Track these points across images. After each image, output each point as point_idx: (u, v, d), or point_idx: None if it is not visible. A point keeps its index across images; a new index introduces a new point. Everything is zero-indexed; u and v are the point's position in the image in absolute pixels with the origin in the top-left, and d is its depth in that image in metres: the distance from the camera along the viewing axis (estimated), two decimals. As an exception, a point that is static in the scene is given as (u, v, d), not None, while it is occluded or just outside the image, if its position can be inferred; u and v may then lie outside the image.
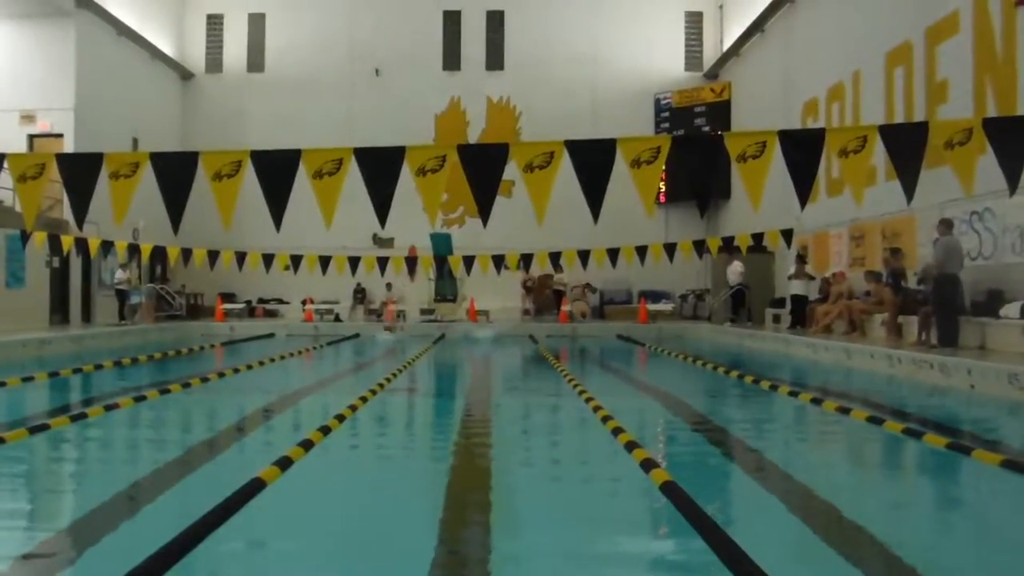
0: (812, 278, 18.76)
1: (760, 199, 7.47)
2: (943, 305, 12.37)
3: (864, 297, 16.80)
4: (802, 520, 4.69)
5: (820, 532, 4.40)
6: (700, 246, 19.66)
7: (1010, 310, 11.92)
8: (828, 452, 7.18)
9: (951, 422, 8.15)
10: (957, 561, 4.09)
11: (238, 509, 4.42)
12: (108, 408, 8.12)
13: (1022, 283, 12.35)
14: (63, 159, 8.47)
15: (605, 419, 7.44)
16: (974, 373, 9.99)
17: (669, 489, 4.83)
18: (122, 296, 22.11)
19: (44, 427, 6.92)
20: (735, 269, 21.26)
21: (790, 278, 18.83)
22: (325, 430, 6.83)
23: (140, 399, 8.85)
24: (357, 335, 22.53)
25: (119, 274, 22.03)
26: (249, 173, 7.94)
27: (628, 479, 5.49)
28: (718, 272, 24.14)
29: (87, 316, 22.91)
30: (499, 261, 19.75)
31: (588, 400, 8.78)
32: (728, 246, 19.22)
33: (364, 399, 8.92)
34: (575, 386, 10.17)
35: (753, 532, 4.10)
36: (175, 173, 8.06)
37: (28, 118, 23.15)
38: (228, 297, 27.45)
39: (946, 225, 12.65)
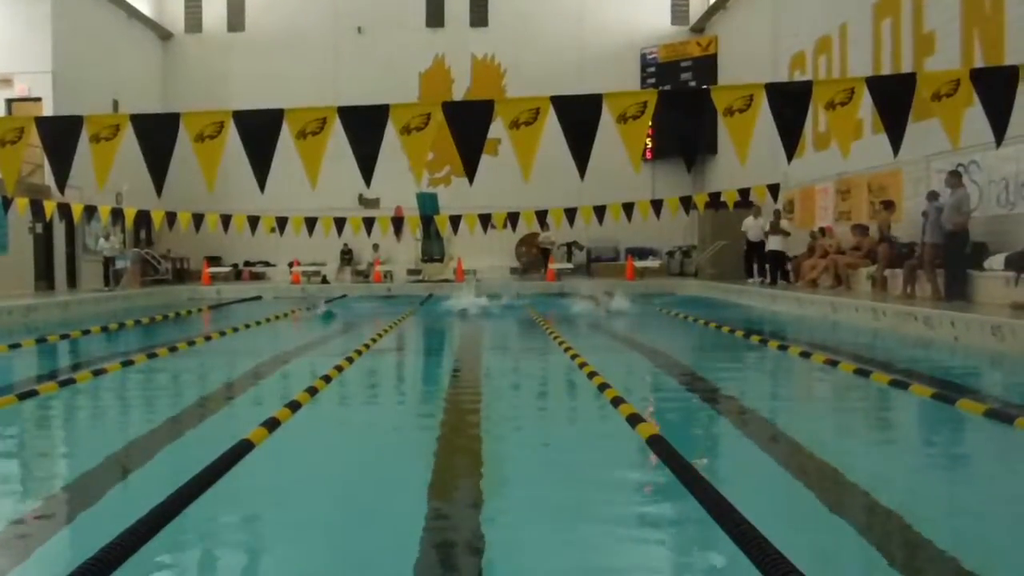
0: (787, 234, 18.68)
1: (747, 153, 7.45)
2: (955, 260, 12.37)
3: (851, 252, 16.87)
4: (789, 472, 4.74)
5: (806, 484, 4.45)
6: (687, 202, 19.64)
7: (994, 262, 11.99)
8: (815, 404, 7.26)
9: (936, 373, 8.23)
10: (940, 509, 4.15)
11: (226, 471, 4.43)
12: (96, 373, 8.10)
13: (1007, 235, 12.41)
14: (42, 123, 8.36)
15: (591, 375, 7.48)
16: (958, 325, 10.07)
17: (655, 443, 4.87)
18: (109, 263, 21.93)
19: (33, 393, 6.90)
20: (748, 224, 19.78)
21: (767, 234, 18.82)
22: (312, 391, 6.84)
23: (128, 364, 8.83)
24: (344, 296, 22.50)
25: (103, 243, 21.80)
26: (232, 134, 7.86)
27: (616, 435, 5.53)
28: (704, 228, 24.15)
29: (72, 282, 22.78)
30: (486, 220, 19.68)
31: (574, 357, 8.81)
32: (715, 202, 19.21)
33: (350, 360, 8.94)
34: (561, 343, 10.21)
35: (741, 486, 4.14)
36: (157, 135, 7.97)
37: (6, 82, 22.77)
38: (214, 261, 27.31)
39: (956, 177, 12.47)
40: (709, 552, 3.49)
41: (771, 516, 3.51)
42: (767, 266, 18.97)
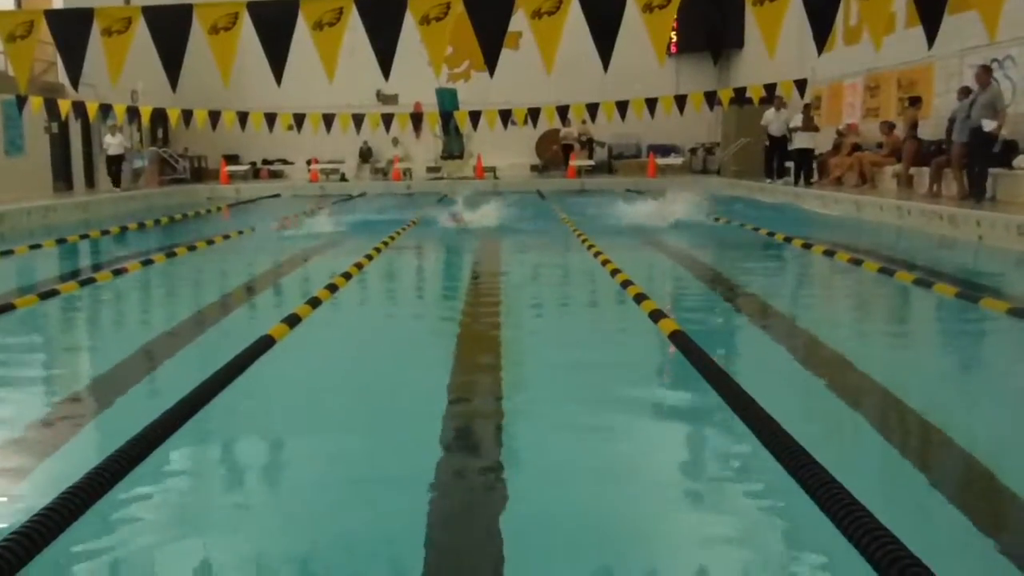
0: (818, 129, 17.96)
1: (776, 45, 7.20)
2: (983, 159, 11.88)
3: (876, 149, 16.52)
4: (808, 368, 4.75)
5: (827, 380, 4.46)
6: (711, 98, 19.19)
7: (1023, 160, 11.71)
8: (839, 303, 7.23)
9: (960, 273, 8.15)
10: (959, 405, 4.15)
11: (248, 366, 4.48)
12: (116, 272, 8.15)
13: (1039, 133, 12.07)
14: (52, 16, 8.20)
15: (614, 272, 7.46)
16: (983, 224, 9.91)
17: (678, 338, 4.87)
18: (114, 163, 20.78)
19: (54, 292, 6.97)
20: (769, 117, 18.64)
21: (794, 130, 17.96)
22: (332, 288, 6.87)
23: (148, 263, 8.88)
24: (363, 194, 22.43)
25: (108, 139, 20.60)
26: (247, 26, 7.70)
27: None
28: (728, 124, 23.66)
29: (90, 182, 22.73)
30: (506, 116, 19.37)
31: (597, 254, 8.78)
32: (740, 97, 18.71)
33: (370, 257, 8.95)
34: (583, 240, 10.16)
35: (760, 380, 4.15)
36: (169, 27, 7.81)
37: (14, -26, 22.28)
38: (232, 159, 27.14)
39: (986, 72, 11.79)
40: (727, 441, 3.52)
41: (790, 410, 3.52)
42: (791, 164, 18.32)
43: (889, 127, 16.10)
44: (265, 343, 4.90)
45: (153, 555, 2.63)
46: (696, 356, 4.46)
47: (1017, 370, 4.80)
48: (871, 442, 3.53)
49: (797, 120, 17.64)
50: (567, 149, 26.07)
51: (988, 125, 11.49)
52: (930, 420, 3.73)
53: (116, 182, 20.44)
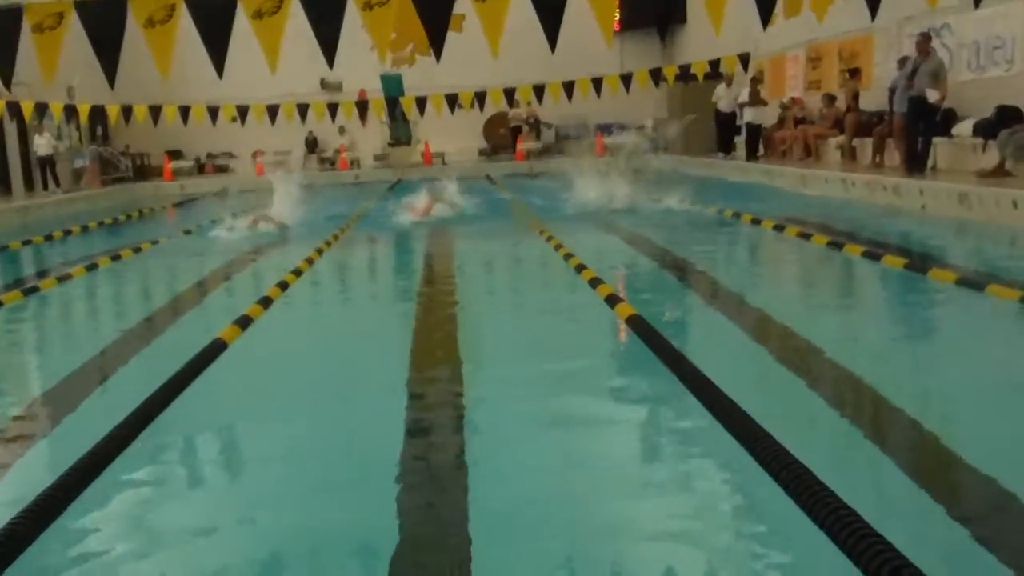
0: (766, 103, 18.20)
1: (722, 21, 7.26)
2: (927, 128, 11.82)
3: (820, 122, 16.73)
4: (763, 346, 4.80)
5: (780, 358, 4.52)
6: (656, 75, 19.25)
7: (963, 128, 11.91)
8: (788, 278, 7.33)
9: (906, 243, 8.31)
10: (910, 376, 4.25)
11: (201, 371, 4.40)
12: (61, 279, 7.94)
13: (975, 101, 12.26)
14: (-21, 14, 7.93)
15: (567, 257, 7.47)
16: (926, 194, 10.10)
17: (635, 322, 4.89)
18: (46, 163, 20.14)
19: (-2, 303, 6.77)
20: (720, 93, 18.91)
21: (743, 105, 18.20)
22: (283, 285, 6.78)
23: (92, 267, 8.66)
24: (310, 185, 22.14)
25: (36, 139, 19.93)
26: (184, 17, 7.53)
27: (593, 314, 5.56)
28: (674, 101, 23.79)
29: (29, 185, 22.07)
30: (453, 100, 19.23)
31: (549, 239, 8.78)
32: (685, 74, 18.81)
33: (320, 251, 8.85)
34: (539, 230, 10.16)
35: (716, 361, 4.20)
36: (104, 22, 7.62)
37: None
38: (175, 155, 26.58)
39: (926, 40, 11.76)
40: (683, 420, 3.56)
41: (746, 388, 3.57)
42: (740, 140, 18.49)
43: (830, 99, 16.31)
44: (217, 347, 4.82)
45: (117, 564, 2.60)
46: (653, 339, 4.49)
47: (963, 339, 4.91)
48: (822, 413, 3.60)
49: (745, 95, 17.83)
50: (515, 132, 26.00)
51: (932, 95, 11.56)
52: (878, 390, 3.81)
53: (47, 184, 19.80)
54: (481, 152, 27.91)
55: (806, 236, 8.22)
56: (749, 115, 17.94)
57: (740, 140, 19.00)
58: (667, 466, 3.25)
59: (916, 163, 11.88)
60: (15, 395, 4.70)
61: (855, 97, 15.08)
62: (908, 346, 4.91)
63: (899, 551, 2.06)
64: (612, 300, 5.50)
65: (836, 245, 7.62)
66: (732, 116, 18.75)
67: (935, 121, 11.96)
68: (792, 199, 12.66)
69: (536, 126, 26.62)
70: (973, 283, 5.68)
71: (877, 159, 13.61)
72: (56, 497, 2.77)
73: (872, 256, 6.97)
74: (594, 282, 6.15)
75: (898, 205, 10.55)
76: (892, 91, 12.89)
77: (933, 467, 3.11)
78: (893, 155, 13.17)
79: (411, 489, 2.96)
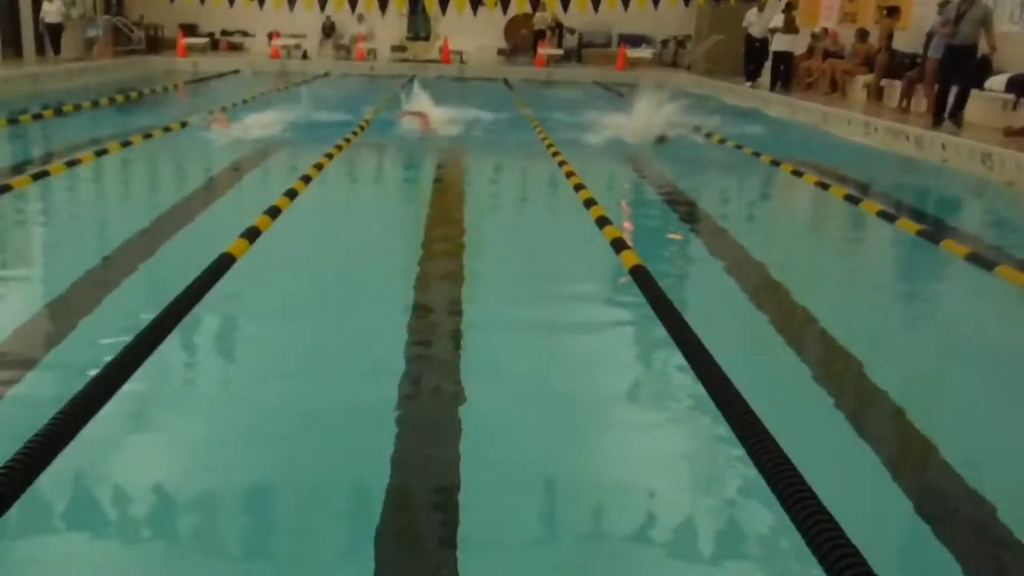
0: (797, 31, 17.41)
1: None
2: (968, 78, 11.05)
3: (849, 57, 16.33)
4: (760, 309, 4.82)
5: (774, 321, 4.56)
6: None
7: (995, 82, 11.63)
8: (797, 233, 7.30)
9: (920, 200, 8.25)
10: (899, 350, 4.34)
11: (212, 285, 4.43)
12: (70, 164, 7.90)
13: (1013, 55, 11.93)
14: None
15: (577, 187, 7.41)
16: (948, 148, 9.94)
17: (637, 273, 4.89)
18: (54, 31, 19.82)
19: (7, 188, 6.74)
20: (751, 18, 17.84)
21: (774, 31, 17.41)
22: (292, 194, 6.75)
23: (102, 152, 8.60)
24: (326, 74, 21.80)
25: (46, 5, 19.58)
26: None
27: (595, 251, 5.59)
28: (702, 19, 23.16)
29: (40, 49, 21.64)
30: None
31: (561, 164, 8.69)
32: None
33: (330, 156, 8.77)
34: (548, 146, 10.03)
35: (710, 315, 4.30)
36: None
37: None
38: (189, 30, 26.00)
39: None
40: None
41: (734, 348, 3.80)
42: (769, 68, 17.74)
43: (863, 35, 15.88)
44: (225, 261, 4.83)
45: (128, 480, 2.75)
46: (651, 291, 4.50)
47: (962, 316, 4.94)
48: (806, 385, 3.71)
49: (778, 21, 17.06)
50: (537, 35, 25.40)
51: (984, 45, 11.01)
52: (865, 365, 3.91)
53: (57, 51, 19.55)
54: (500, 52, 27.31)
55: (824, 186, 8.09)
56: (780, 43, 17.13)
57: (766, 68, 18.41)
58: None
59: (950, 115, 11.09)
60: (20, 300, 4.72)
61: (889, 36, 14.70)
62: (898, 318, 4.94)
63: (843, 533, 2.17)
64: (618, 245, 5.47)
65: (853, 200, 7.51)
66: (764, 43, 17.89)
67: (973, 72, 11.30)
68: (809, 137, 12.48)
69: (559, 32, 25.98)
70: (984, 261, 5.59)
71: (904, 103, 13.36)
72: (65, 424, 2.82)
73: (887, 217, 6.88)
74: (600, 221, 6.13)
75: (919, 157, 10.39)
76: (929, 36, 12.53)
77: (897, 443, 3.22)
78: (921, 101, 12.92)
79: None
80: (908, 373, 3.99)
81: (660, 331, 3.94)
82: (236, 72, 21.56)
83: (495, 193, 8.53)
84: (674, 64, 25.99)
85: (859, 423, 3.33)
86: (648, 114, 11.33)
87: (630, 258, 5.15)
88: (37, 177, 7.29)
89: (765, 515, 2.53)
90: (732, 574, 2.45)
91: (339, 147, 9.41)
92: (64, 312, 4.36)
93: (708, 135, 11.62)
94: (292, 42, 25.31)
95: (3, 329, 3.96)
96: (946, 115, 11.01)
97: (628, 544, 2.50)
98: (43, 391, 3.37)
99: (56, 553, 2.44)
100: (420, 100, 12.24)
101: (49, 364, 3.66)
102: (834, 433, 3.26)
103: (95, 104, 13.20)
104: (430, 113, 11.68)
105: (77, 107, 12.65)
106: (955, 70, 11.06)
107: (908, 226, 6.54)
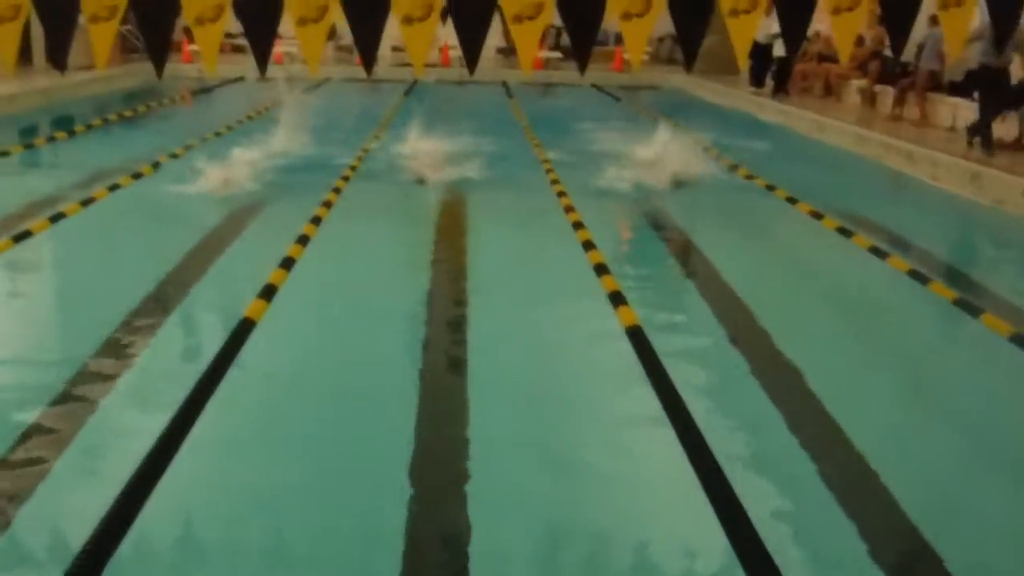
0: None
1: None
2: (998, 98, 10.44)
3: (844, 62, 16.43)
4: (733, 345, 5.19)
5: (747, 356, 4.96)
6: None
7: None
8: (783, 268, 7.42)
9: (903, 222, 8.25)
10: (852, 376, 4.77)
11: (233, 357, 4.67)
12: (85, 203, 7.96)
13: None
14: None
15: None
16: (939, 166, 10.14)
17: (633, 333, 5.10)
18: None
19: (27, 235, 6.82)
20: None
21: (775, 37, 17.36)
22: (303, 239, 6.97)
23: (114, 188, 8.71)
24: (328, 79, 22.01)
25: None
26: None
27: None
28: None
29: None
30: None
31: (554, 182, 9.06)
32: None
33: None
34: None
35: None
36: None
37: None
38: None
39: None
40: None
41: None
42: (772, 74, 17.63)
43: (857, 40, 16.01)
44: (245, 326, 5.03)
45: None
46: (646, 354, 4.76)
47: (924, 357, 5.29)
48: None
49: (778, 27, 16.89)
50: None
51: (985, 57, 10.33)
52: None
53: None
54: (499, 51, 27.38)
55: (817, 216, 8.08)
56: (781, 48, 17.07)
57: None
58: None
59: (983, 138, 10.32)
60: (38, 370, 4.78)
61: (882, 42, 14.90)
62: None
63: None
64: (615, 299, 5.60)
65: (845, 232, 7.48)
66: (768, 48, 17.82)
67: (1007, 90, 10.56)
68: (801, 148, 12.73)
69: (557, 31, 26.06)
70: (970, 307, 5.63)
71: (896, 111, 13.59)
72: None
73: (879, 253, 6.85)
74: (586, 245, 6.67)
75: (909, 170, 10.60)
76: (920, 47, 12.74)
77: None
78: (913, 110, 13.18)
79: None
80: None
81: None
82: (241, 79, 21.65)
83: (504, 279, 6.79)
84: (671, 60, 26.09)
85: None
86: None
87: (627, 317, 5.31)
88: (54, 220, 7.36)
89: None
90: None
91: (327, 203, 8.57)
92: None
93: (704, 149, 11.56)
94: (294, 47, 25.35)
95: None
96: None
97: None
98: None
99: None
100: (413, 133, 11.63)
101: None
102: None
103: (105, 122, 13.53)
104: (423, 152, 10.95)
105: (88, 127, 12.95)
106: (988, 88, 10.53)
107: (899, 264, 6.71)
